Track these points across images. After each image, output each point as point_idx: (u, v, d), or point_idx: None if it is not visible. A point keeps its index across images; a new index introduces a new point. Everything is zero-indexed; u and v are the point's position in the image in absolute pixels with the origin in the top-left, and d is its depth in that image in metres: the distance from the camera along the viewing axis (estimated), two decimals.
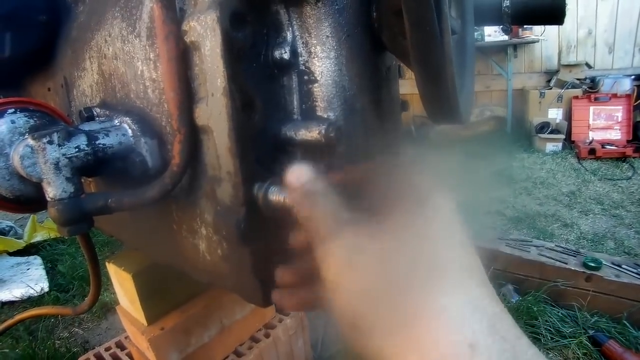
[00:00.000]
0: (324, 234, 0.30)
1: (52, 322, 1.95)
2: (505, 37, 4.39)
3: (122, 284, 0.86)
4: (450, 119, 0.43)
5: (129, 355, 1.11)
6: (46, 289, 2.14)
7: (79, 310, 1.05)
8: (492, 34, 4.39)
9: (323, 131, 0.37)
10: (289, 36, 0.40)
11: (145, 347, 0.87)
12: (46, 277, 2.23)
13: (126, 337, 1.13)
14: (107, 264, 0.87)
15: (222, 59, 0.35)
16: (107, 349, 1.18)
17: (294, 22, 0.40)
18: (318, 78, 0.40)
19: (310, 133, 0.38)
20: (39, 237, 2.62)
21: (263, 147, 0.40)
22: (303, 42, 0.40)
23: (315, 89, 0.40)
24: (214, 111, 0.37)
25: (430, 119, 0.43)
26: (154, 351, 0.84)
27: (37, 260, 2.40)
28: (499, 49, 4.50)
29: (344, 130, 0.39)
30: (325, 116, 0.40)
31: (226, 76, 0.36)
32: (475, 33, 4.17)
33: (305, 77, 0.40)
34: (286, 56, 0.39)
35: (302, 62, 0.40)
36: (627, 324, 1.68)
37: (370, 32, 0.44)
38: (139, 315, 0.86)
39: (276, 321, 1.08)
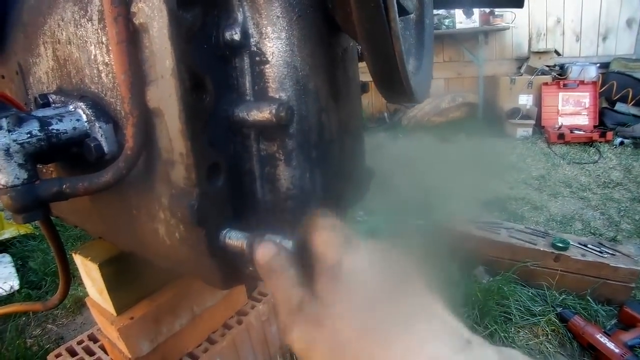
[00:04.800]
0: (288, 308, 0.34)
1: (23, 321, 1.90)
2: (477, 24, 4.45)
3: (89, 275, 0.85)
4: (403, 97, 0.44)
5: (102, 347, 1.10)
6: (16, 287, 2.08)
7: (49, 304, 1.03)
8: (464, 21, 4.44)
9: (274, 111, 0.38)
10: (240, 17, 0.40)
11: (115, 337, 0.86)
12: (16, 274, 2.17)
13: (98, 330, 1.12)
14: (73, 255, 0.86)
15: (170, 40, 0.35)
16: (79, 343, 1.16)
17: (245, 3, 0.40)
18: (269, 59, 0.40)
19: (262, 113, 0.39)
20: (7, 234, 2.54)
21: (216, 129, 0.40)
22: (254, 23, 0.40)
23: (266, 70, 0.40)
24: (165, 93, 0.37)
25: (383, 97, 0.44)
26: (124, 341, 0.83)
27: (5, 258, 2.33)
28: (471, 36, 4.56)
29: (295, 110, 0.40)
30: (277, 97, 0.41)
31: (174, 57, 0.35)
32: (447, 20, 4.23)
33: (257, 58, 0.41)
34: (237, 37, 0.39)
35: (253, 43, 0.40)
36: (590, 300, 1.76)
37: (324, 12, 0.44)
38: (108, 306, 0.85)
39: (248, 307, 1.08)
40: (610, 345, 1.47)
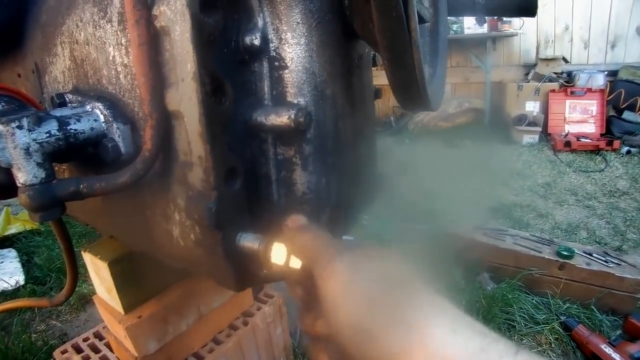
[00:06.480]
0: (323, 259, 0.34)
1: (28, 316, 1.91)
2: (485, 30, 4.45)
3: (98, 273, 0.85)
4: (419, 106, 0.44)
5: (107, 345, 1.10)
6: (21, 282, 2.09)
7: (55, 301, 1.04)
8: (472, 26, 4.44)
9: (293, 116, 0.38)
10: (260, 22, 0.40)
11: (122, 336, 0.87)
12: (22, 270, 2.18)
13: (104, 327, 1.12)
14: (82, 253, 0.86)
15: (191, 43, 0.36)
16: (85, 340, 1.17)
17: (265, 8, 0.40)
18: (288, 64, 0.41)
19: (280, 118, 0.39)
20: (13, 230, 2.55)
21: (235, 133, 0.41)
22: (274, 28, 0.41)
23: (285, 75, 0.41)
24: (185, 96, 0.38)
25: (400, 105, 0.45)
26: (132, 340, 0.84)
27: (11, 253, 2.34)
28: (478, 42, 4.55)
29: (313, 116, 0.40)
30: (296, 102, 0.41)
31: (196, 61, 0.36)
32: (455, 25, 4.22)
33: (276, 63, 0.41)
34: (257, 42, 0.40)
35: (272, 48, 0.41)
36: (595, 309, 1.75)
37: (342, 19, 0.44)
38: (116, 304, 0.85)
39: (254, 309, 1.08)
40: (616, 356, 1.45)
